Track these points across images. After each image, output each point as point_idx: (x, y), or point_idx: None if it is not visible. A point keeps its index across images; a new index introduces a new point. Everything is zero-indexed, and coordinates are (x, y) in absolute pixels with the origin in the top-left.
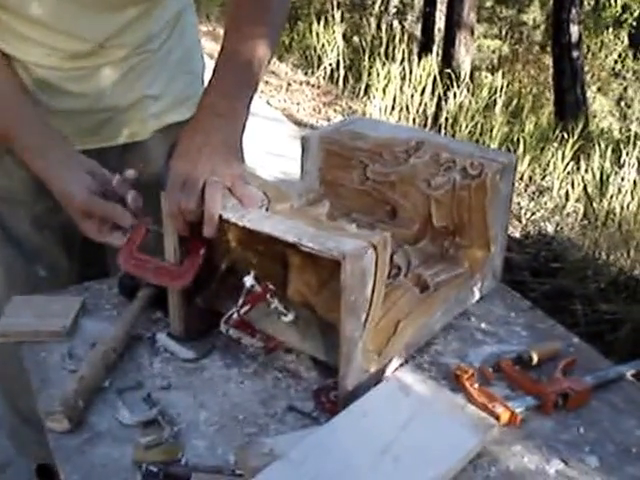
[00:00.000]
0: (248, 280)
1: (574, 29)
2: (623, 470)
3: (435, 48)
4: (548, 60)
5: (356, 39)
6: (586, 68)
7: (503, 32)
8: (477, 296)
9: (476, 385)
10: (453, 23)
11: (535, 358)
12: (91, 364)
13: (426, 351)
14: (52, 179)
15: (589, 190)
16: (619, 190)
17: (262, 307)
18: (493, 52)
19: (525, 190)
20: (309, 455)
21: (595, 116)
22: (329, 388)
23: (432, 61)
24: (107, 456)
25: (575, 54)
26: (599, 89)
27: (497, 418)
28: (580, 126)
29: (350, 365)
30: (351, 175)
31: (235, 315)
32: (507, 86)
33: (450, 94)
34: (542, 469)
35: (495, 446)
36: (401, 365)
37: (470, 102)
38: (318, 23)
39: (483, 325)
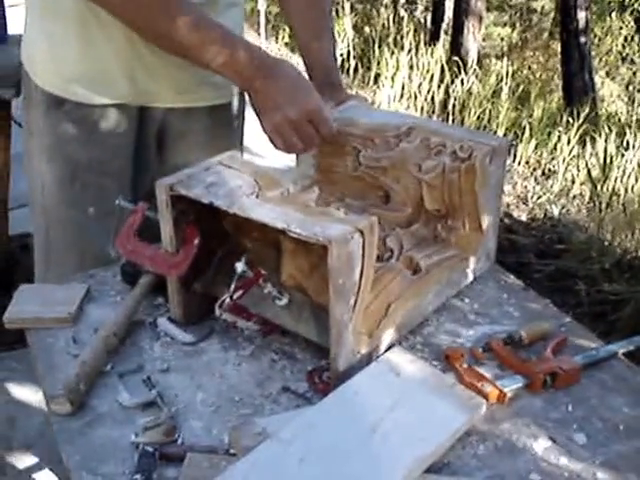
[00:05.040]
0: (239, 266)
1: (581, 15)
2: (610, 447)
3: (444, 36)
4: (557, 46)
5: (366, 29)
6: (593, 53)
7: (513, 20)
8: (470, 278)
9: (465, 365)
10: (461, 11)
11: (525, 338)
12: (93, 349)
13: (419, 332)
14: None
15: (594, 173)
16: (624, 172)
17: (258, 291)
18: (502, 40)
19: (532, 174)
20: (298, 434)
21: (603, 100)
22: (322, 369)
23: (440, 49)
24: (107, 437)
25: (583, 40)
26: (607, 74)
27: (486, 397)
28: (587, 110)
29: (341, 347)
30: (344, 161)
31: (228, 300)
32: (516, 72)
33: (458, 81)
34: (530, 446)
35: (484, 424)
36: (393, 346)
37: (478, 89)
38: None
39: (476, 306)
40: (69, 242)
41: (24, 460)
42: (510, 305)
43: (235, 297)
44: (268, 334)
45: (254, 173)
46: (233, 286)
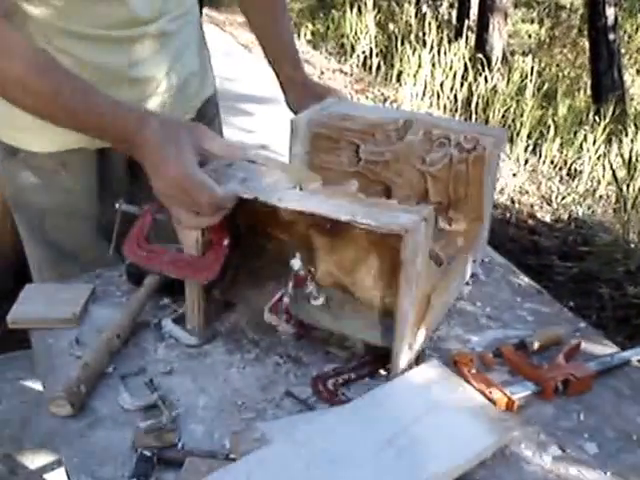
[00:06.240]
0: (295, 263)
1: (610, 11)
2: (621, 457)
3: (468, 33)
4: (586, 43)
5: (390, 26)
6: (623, 50)
7: (541, 16)
8: (470, 270)
9: (473, 370)
10: (487, 8)
11: (537, 343)
12: (95, 351)
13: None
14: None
15: (619, 173)
16: None
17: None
18: (530, 37)
19: (556, 174)
20: (312, 437)
21: (633, 99)
22: (327, 376)
23: (463, 46)
24: (107, 440)
25: (611, 37)
26: (638, 71)
27: (494, 404)
28: (615, 109)
29: (403, 342)
30: (339, 158)
31: (286, 300)
32: (544, 70)
33: (481, 79)
34: (539, 456)
35: None
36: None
37: (502, 87)
38: (351, 11)
39: (488, 310)
40: (53, 276)
41: (35, 460)
42: (523, 309)
43: (288, 298)
44: (302, 337)
45: (282, 167)
46: (290, 285)
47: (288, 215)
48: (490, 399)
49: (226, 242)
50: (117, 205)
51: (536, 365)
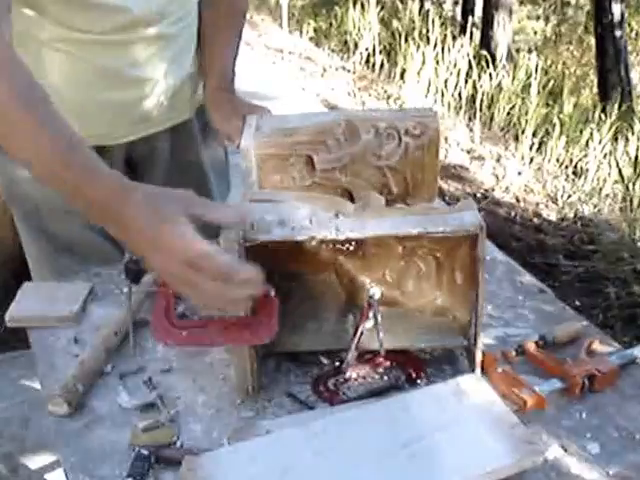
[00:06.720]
0: (376, 292)
1: (616, 8)
2: (624, 457)
3: (473, 30)
4: (592, 40)
5: (393, 23)
6: (629, 47)
7: (547, 13)
8: None
9: (499, 370)
10: (491, 4)
11: (559, 339)
12: (92, 348)
13: None
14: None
15: (626, 171)
16: None
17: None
18: (535, 33)
19: (562, 172)
20: (328, 429)
21: (639, 96)
22: (328, 376)
23: (467, 43)
24: (105, 439)
25: (618, 33)
26: None
27: (524, 403)
28: (622, 106)
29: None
30: (290, 175)
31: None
32: (549, 67)
33: (486, 76)
34: None
35: None
36: None
37: (507, 84)
38: (354, 8)
39: (489, 308)
40: (50, 270)
41: (36, 460)
42: (525, 308)
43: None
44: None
45: (300, 198)
46: (380, 318)
47: (313, 247)
48: (520, 398)
49: (272, 292)
50: (125, 289)
51: (561, 361)
